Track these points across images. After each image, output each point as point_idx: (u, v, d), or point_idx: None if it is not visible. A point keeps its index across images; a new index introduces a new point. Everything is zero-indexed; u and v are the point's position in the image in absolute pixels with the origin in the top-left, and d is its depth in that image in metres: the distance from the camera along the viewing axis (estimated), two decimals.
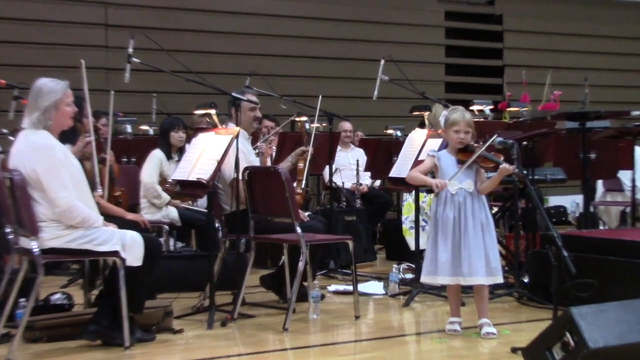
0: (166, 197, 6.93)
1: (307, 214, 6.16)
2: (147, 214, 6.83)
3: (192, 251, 7.35)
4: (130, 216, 5.62)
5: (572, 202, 11.92)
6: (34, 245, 4.37)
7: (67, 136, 4.98)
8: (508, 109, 8.55)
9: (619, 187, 8.77)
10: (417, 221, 6.41)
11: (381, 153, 8.65)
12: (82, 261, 5.49)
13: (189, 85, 5.94)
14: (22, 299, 4.81)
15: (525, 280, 6.18)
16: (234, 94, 5.68)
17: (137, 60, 5.43)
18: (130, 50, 5.42)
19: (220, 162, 5.19)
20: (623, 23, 14.40)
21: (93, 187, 5.18)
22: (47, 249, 4.42)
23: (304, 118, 7.45)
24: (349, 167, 9.24)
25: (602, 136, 7.32)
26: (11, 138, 5.93)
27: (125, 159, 7.69)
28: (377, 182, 9.30)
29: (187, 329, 5.16)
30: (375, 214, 9.07)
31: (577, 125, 6.80)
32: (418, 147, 6.32)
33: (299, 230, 5.16)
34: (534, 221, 6.88)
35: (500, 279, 4.90)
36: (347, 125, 9.54)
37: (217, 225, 6.68)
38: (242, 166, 5.45)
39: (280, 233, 5.48)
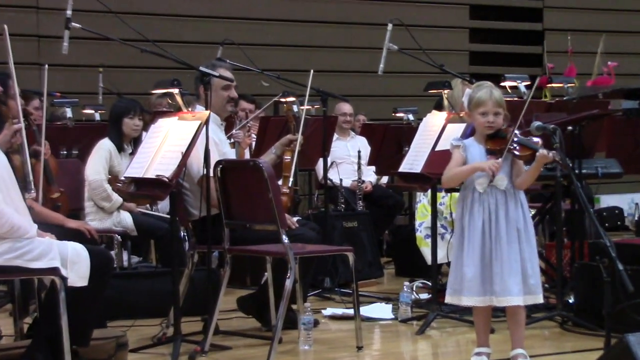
0: (118, 199, 6.95)
1: (296, 219, 6.19)
2: (93, 221, 6.85)
3: (151, 267, 7.38)
4: (72, 224, 5.64)
5: (630, 202, 11.98)
6: None
7: None
8: (549, 85, 8.61)
9: None
10: (434, 228, 6.45)
11: (389, 142, 8.66)
12: (11, 281, 5.51)
13: (145, 57, 5.96)
14: None
15: (571, 300, 6.23)
16: (202, 69, 5.70)
17: (77, 25, 5.45)
18: (69, 12, 5.44)
19: (185, 155, 5.22)
20: None
21: (24, 188, 5.20)
22: None
23: (291, 99, 7.48)
24: (349, 161, 9.29)
25: None
26: None
27: (65, 152, 7.71)
28: (384, 179, 9.35)
29: None
30: (382, 219, 9.11)
31: (637, 105, 6.84)
32: (435, 134, 6.35)
33: (285, 240, 5.19)
34: (581, 227, 6.92)
35: (540, 299, 4.91)
36: (344, 108, 9.57)
37: (182, 234, 6.72)
38: (213, 160, 5.48)
39: (262, 243, 5.51)
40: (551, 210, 7.07)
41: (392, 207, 9.38)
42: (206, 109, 5.59)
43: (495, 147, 4.85)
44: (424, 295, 6.95)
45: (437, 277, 6.47)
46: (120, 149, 7.13)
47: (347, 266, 5.71)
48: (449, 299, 4.98)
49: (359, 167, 8.94)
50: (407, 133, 7.94)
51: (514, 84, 7.31)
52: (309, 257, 5.80)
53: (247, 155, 7.65)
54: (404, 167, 6.47)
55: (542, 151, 4.73)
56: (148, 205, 7.35)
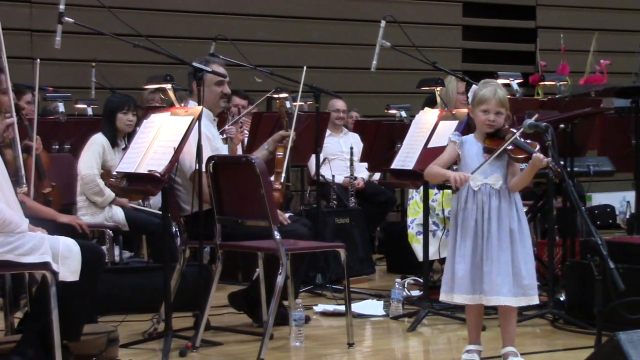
0: (110, 194, 6.95)
1: (287, 215, 6.20)
2: (85, 216, 6.85)
3: (142, 262, 7.37)
4: (64, 218, 5.63)
5: (621, 200, 12.00)
6: None
7: None
8: (541, 83, 8.60)
9: None
10: (425, 225, 6.45)
11: (381, 139, 8.66)
12: (2, 276, 5.49)
13: (137, 52, 5.95)
14: None
15: (562, 298, 6.24)
16: (195, 64, 5.68)
17: (70, 20, 5.44)
18: (62, 7, 5.43)
19: (178, 151, 5.21)
20: None
21: (16, 182, 5.18)
22: None
23: (284, 95, 7.48)
24: (341, 157, 9.29)
25: None
26: None
27: (57, 146, 7.69)
28: (376, 176, 9.35)
29: None
30: (374, 215, 9.12)
31: (628, 103, 6.84)
32: (427, 131, 6.36)
33: (277, 236, 5.19)
34: (572, 225, 6.93)
35: (535, 300, 4.88)
36: (338, 104, 9.57)
37: (174, 230, 6.71)
38: (205, 155, 5.47)
39: (253, 239, 5.51)
40: (543, 208, 7.08)
41: (384, 204, 9.39)
42: (199, 105, 5.58)
43: (492, 146, 4.87)
44: (416, 292, 6.95)
45: (429, 274, 6.47)
46: (113, 144, 7.13)
47: (339, 263, 5.70)
48: (442, 296, 4.98)
49: (351, 164, 8.94)
50: (400, 130, 7.93)
51: (506, 81, 7.30)
52: (301, 254, 5.80)
53: (239, 151, 7.64)
54: (396, 164, 6.47)
55: (537, 155, 4.73)
56: (140, 201, 7.34)
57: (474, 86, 5.03)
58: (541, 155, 4.72)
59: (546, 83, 8.48)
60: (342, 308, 6.05)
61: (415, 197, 7.38)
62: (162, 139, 5.33)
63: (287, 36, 11.76)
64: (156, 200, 7.15)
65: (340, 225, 8.21)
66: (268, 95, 8.00)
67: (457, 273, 4.86)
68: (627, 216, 11.36)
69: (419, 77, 7.12)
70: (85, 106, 8.95)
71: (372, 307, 6.64)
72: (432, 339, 5.95)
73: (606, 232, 10.84)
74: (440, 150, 5.29)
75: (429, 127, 6.38)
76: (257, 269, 5.90)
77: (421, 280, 6.71)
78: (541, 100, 7.87)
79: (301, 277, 6.35)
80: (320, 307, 6.66)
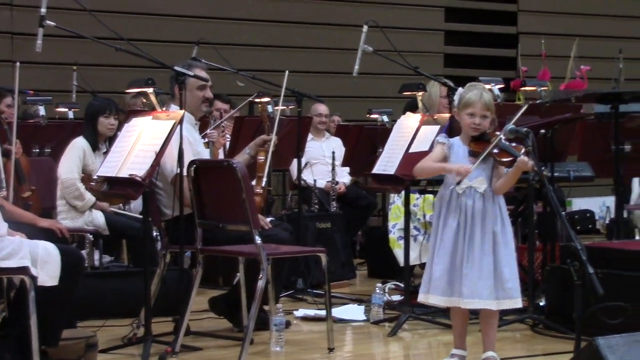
0: (90, 198, 6.92)
1: (269, 219, 6.18)
2: (65, 220, 6.82)
3: (122, 267, 7.34)
4: (43, 223, 5.60)
5: (601, 205, 12.04)
6: None
7: None
8: (522, 89, 8.62)
9: None
10: (407, 230, 6.45)
11: (363, 143, 8.70)
12: None
13: (119, 56, 5.93)
14: None
15: (542, 303, 6.25)
16: (177, 68, 5.67)
17: (51, 23, 5.42)
18: (43, 10, 5.40)
19: (159, 155, 5.19)
20: None
21: None
22: None
23: (266, 99, 7.47)
24: (323, 161, 9.28)
25: None
26: None
27: (37, 150, 7.67)
28: (347, 178, 9.35)
29: None
30: (355, 220, 9.12)
31: (608, 109, 6.87)
32: (409, 136, 6.36)
33: (258, 240, 5.18)
34: (552, 229, 6.94)
35: (518, 303, 4.89)
36: (320, 108, 9.56)
37: (154, 234, 6.68)
38: (187, 160, 5.45)
39: (234, 244, 5.49)
40: (523, 213, 7.09)
41: (365, 208, 9.39)
42: (181, 109, 5.57)
43: (478, 149, 4.88)
44: (396, 297, 6.96)
45: (410, 278, 6.47)
46: (94, 148, 7.11)
47: (320, 267, 5.69)
48: (420, 296, 4.99)
49: (333, 168, 8.94)
50: (382, 134, 7.96)
51: (488, 86, 7.30)
52: (282, 258, 5.79)
53: (221, 155, 7.63)
54: (377, 169, 6.47)
55: (522, 158, 4.74)
56: (121, 205, 7.31)
57: (460, 89, 5.04)
58: (526, 158, 4.74)
59: (527, 88, 8.51)
60: (323, 313, 6.04)
61: (396, 202, 7.39)
62: (143, 142, 5.31)
63: (270, 40, 11.76)
64: (137, 205, 7.11)
65: (322, 229, 8.20)
66: (250, 99, 7.98)
67: (434, 274, 4.87)
68: (607, 221, 11.40)
69: (401, 81, 7.14)
70: (67, 110, 8.93)
71: (352, 311, 6.64)
72: (412, 343, 5.95)
73: (586, 237, 10.90)
74: (422, 155, 5.30)
75: (410, 132, 6.38)
76: (238, 274, 5.89)
77: (402, 285, 6.71)
78: (522, 105, 7.88)
79: (282, 281, 6.34)
80: (301, 312, 6.65)
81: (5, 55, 9.90)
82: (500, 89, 7.16)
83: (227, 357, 5.33)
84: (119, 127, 7.01)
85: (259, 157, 6.64)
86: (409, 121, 6.56)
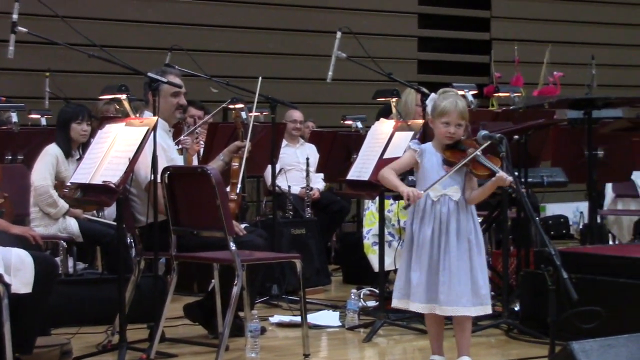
0: (64, 205, 6.90)
1: (243, 226, 6.19)
2: (38, 227, 6.79)
3: (97, 274, 7.32)
4: (16, 230, 5.58)
5: (574, 210, 12.10)
6: None
7: None
8: (496, 95, 8.67)
9: (632, 191, 8.93)
10: (381, 235, 6.47)
11: (337, 149, 8.70)
12: None
13: (92, 62, 5.91)
14: None
15: (516, 308, 6.28)
16: (150, 75, 5.66)
17: (23, 29, 5.40)
18: (15, 16, 5.38)
19: (133, 161, 5.19)
20: None
21: None
22: None
23: (239, 105, 7.47)
24: (297, 167, 9.29)
25: (613, 128, 7.46)
26: None
27: (10, 157, 7.62)
28: (321, 185, 9.36)
29: None
30: (329, 225, 9.13)
31: (581, 114, 6.92)
32: (383, 142, 6.38)
33: (233, 246, 5.18)
34: (527, 235, 6.98)
35: (489, 310, 4.95)
36: (295, 115, 9.57)
37: (129, 241, 6.67)
38: (160, 166, 5.45)
39: (209, 250, 5.49)
40: (497, 218, 7.13)
41: (338, 213, 9.39)
42: (154, 115, 5.56)
43: (452, 158, 4.88)
44: (371, 303, 6.97)
45: (385, 284, 6.48)
46: (67, 155, 7.09)
47: (295, 273, 5.70)
48: (395, 302, 5.00)
49: (308, 174, 8.95)
50: (356, 140, 7.97)
51: (461, 92, 7.33)
52: (257, 264, 5.79)
53: (195, 162, 7.62)
54: (352, 175, 6.48)
55: (502, 174, 4.75)
56: (94, 211, 7.29)
57: (432, 95, 5.04)
58: (505, 175, 4.74)
59: (500, 94, 8.56)
60: (298, 319, 6.04)
61: (371, 208, 7.41)
62: (117, 149, 5.31)
63: (243, 47, 11.76)
64: (111, 211, 7.07)
65: (296, 236, 8.20)
66: (224, 105, 7.98)
67: (412, 281, 4.88)
68: (581, 226, 11.46)
69: (374, 88, 7.15)
70: (39, 116, 8.90)
71: (328, 317, 6.64)
72: (387, 349, 5.96)
73: (560, 243, 10.97)
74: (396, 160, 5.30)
75: (384, 138, 6.41)
76: (213, 280, 5.88)
77: (377, 291, 6.73)
78: (495, 111, 7.94)
79: (257, 288, 6.34)
80: (276, 318, 6.65)
81: None
82: (473, 95, 7.22)
83: None
84: (92, 134, 6.99)
85: (233, 164, 6.64)
86: (383, 127, 6.58)
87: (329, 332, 6.39)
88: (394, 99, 6.83)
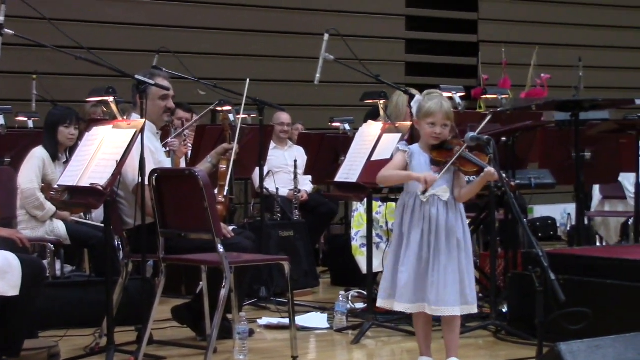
0: (51, 207, 6.88)
1: (231, 228, 6.18)
2: (26, 230, 6.77)
3: (84, 276, 7.31)
4: (3, 232, 5.56)
5: (562, 212, 12.14)
6: None
7: None
8: (483, 96, 8.70)
9: (620, 193, 8.96)
10: (369, 237, 6.47)
11: (325, 151, 8.70)
12: None
13: (79, 65, 5.91)
14: None
15: (504, 309, 6.29)
16: (138, 77, 5.66)
17: (10, 31, 5.38)
18: (1, 18, 5.37)
19: (120, 164, 5.18)
20: None
21: None
22: None
23: (227, 107, 7.47)
24: (285, 170, 9.29)
25: (600, 130, 7.48)
26: None
27: None
28: (307, 186, 9.37)
29: None
30: (317, 227, 9.13)
31: (568, 116, 6.94)
32: (371, 144, 6.39)
33: (221, 249, 5.18)
34: (514, 236, 7.00)
35: (475, 309, 4.98)
36: (282, 117, 9.58)
37: (116, 243, 6.66)
38: (148, 168, 5.45)
39: (197, 252, 5.49)
40: (485, 220, 7.14)
41: (326, 215, 9.40)
42: (142, 117, 5.56)
43: (439, 158, 4.90)
44: (360, 305, 6.98)
45: (373, 286, 6.49)
46: (54, 158, 7.08)
47: (283, 275, 5.70)
48: (380, 302, 5.02)
49: (295, 177, 8.95)
50: (344, 143, 7.97)
51: (449, 94, 7.36)
52: (245, 267, 5.79)
53: (182, 164, 7.61)
54: (340, 177, 6.49)
55: (490, 169, 4.78)
56: (82, 214, 7.28)
57: (417, 97, 5.06)
58: (493, 170, 4.77)
59: (488, 96, 8.59)
60: (286, 321, 6.05)
61: (359, 210, 7.41)
62: (104, 152, 5.30)
63: (231, 49, 11.74)
64: (98, 214, 7.09)
65: (284, 238, 8.20)
66: (211, 108, 7.97)
67: (400, 282, 4.89)
68: (568, 228, 11.49)
69: (362, 90, 7.18)
70: (26, 119, 8.88)
71: (316, 319, 6.65)
72: (376, 351, 5.97)
73: (547, 244, 11.00)
74: (384, 163, 5.31)
75: (372, 140, 6.41)
76: (201, 282, 5.88)
77: (365, 293, 6.74)
78: (483, 113, 7.95)
79: (245, 290, 6.34)
80: (264, 320, 6.65)
81: None
82: (461, 97, 7.22)
83: None
84: (80, 137, 6.99)
85: (221, 166, 6.64)
86: (371, 129, 6.59)
87: (317, 334, 6.40)
88: (381, 101, 6.85)
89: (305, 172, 9.04)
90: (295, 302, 5.98)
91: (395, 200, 5.14)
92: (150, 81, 5.71)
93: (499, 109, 7.77)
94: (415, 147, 5.00)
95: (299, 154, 9.24)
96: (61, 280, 7.01)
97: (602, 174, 7.69)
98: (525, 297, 5.74)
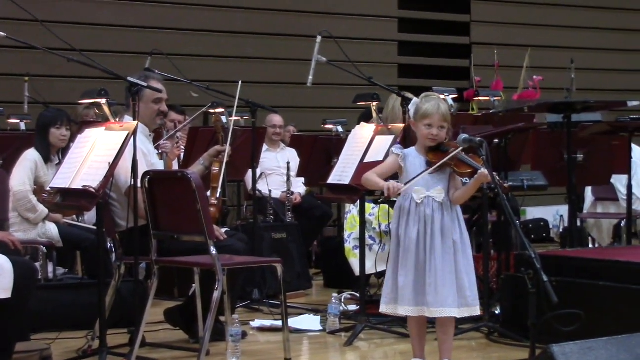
0: (43, 210, 6.88)
1: (224, 230, 6.18)
2: (18, 232, 6.76)
3: (77, 279, 7.29)
4: None
5: (554, 214, 12.16)
6: None
7: None
8: (476, 99, 8.71)
9: (612, 195, 8.98)
10: (362, 239, 6.48)
11: (318, 154, 8.70)
12: None
13: (72, 67, 5.90)
14: None
15: (497, 311, 6.30)
16: (130, 79, 5.65)
17: (2, 34, 5.38)
18: None
19: (113, 166, 5.18)
20: None
21: None
22: None
23: (220, 109, 7.47)
24: (278, 172, 9.29)
25: (592, 132, 7.50)
26: None
27: None
28: (304, 189, 9.37)
29: None
30: (310, 230, 9.13)
31: (560, 118, 6.95)
32: (364, 146, 6.39)
33: (213, 251, 5.18)
34: (507, 238, 7.00)
35: (477, 311, 4.97)
36: (275, 119, 9.58)
37: (109, 245, 6.65)
38: (141, 171, 5.44)
39: (190, 255, 5.48)
40: (478, 222, 7.15)
41: (320, 218, 9.40)
42: (134, 120, 5.55)
43: (436, 159, 4.91)
44: (352, 307, 6.98)
45: (365, 288, 6.49)
46: (47, 160, 7.06)
47: (276, 278, 5.71)
48: (384, 307, 5.00)
49: (288, 179, 8.95)
50: (336, 145, 7.98)
51: (442, 96, 7.37)
52: (237, 269, 5.79)
53: (175, 167, 7.61)
54: (332, 179, 6.49)
55: (484, 171, 4.78)
56: (74, 216, 7.27)
57: (415, 99, 5.08)
58: (487, 171, 4.77)
59: (480, 98, 8.60)
60: (279, 323, 6.04)
61: (352, 212, 7.42)
62: (96, 154, 5.30)
63: (223, 51, 11.75)
64: (91, 216, 7.09)
65: (277, 240, 8.20)
66: (204, 110, 7.97)
67: (399, 284, 4.89)
68: (561, 230, 11.52)
69: (355, 92, 7.16)
70: (18, 121, 8.86)
71: (309, 322, 6.65)
72: (369, 353, 5.97)
73: (540, 246, 11.00)
74: (376, 164, 5.32)
75: (365, 142, 6.42)
76: (193, 285, 5.87)
77: (358, 295, 6.73)
78: (475, 115, 7.97)
79: (238, 292, 6.34)
80: (257, 323, 6.65)
81: None
82: (453, 99, 7.25)
83: None
84: (72, 139, 6.97)
85: (214, 168, 6.63)
86: (364, 131, 6.59)
87: (310, 336, 6.40)
88: (374, 103, 6.85)
89: (298, 174, 9.03)
90: (288, 304, 5.98)
91: (389, 203, 5.14)
92: (143, 83, 5.70)
93: (491, 111, 7.79)
94: (411, 150, 5.02)
95: (292, 156, 9.24)
96: (53, 282, 6.99)
97: (594, 176, 7.71)
98: (518, 299, 5.76)
